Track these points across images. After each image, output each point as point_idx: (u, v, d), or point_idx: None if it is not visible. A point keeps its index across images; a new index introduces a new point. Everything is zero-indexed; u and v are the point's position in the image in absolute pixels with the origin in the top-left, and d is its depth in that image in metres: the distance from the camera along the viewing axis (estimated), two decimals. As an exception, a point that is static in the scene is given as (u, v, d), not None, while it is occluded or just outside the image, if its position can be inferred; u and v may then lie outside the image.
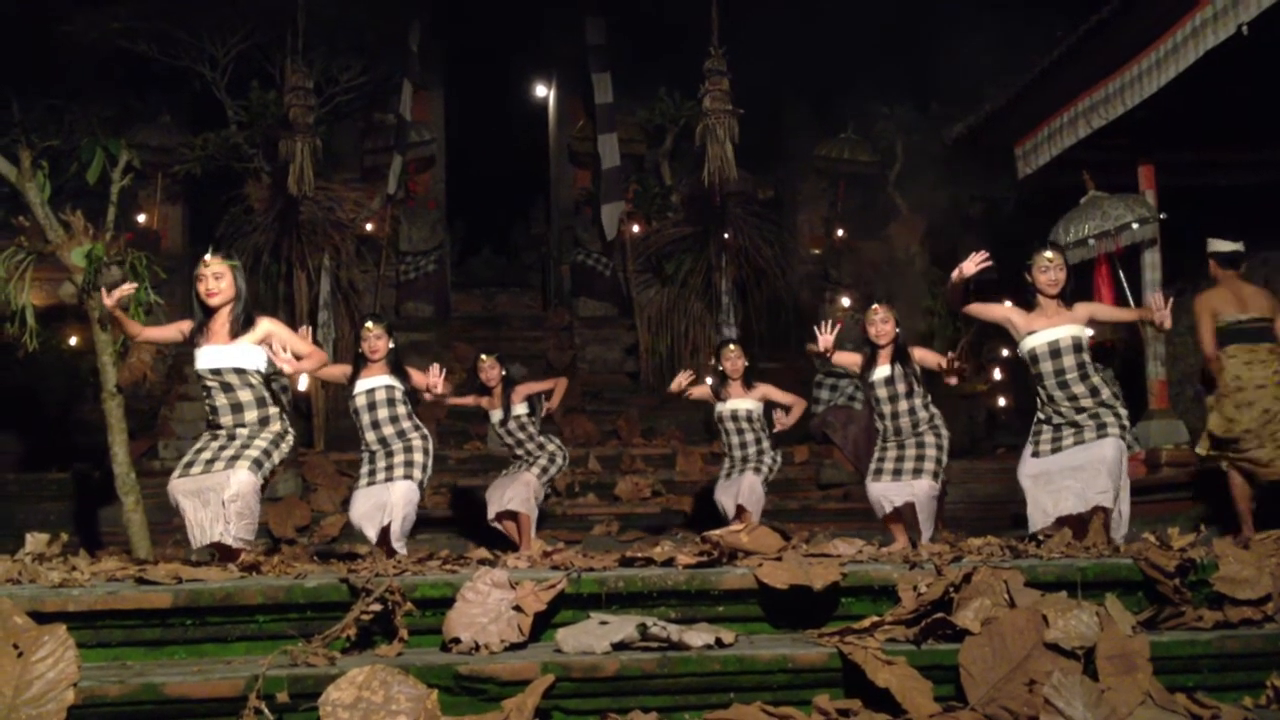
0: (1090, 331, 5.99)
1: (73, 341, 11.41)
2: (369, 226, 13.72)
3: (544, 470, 8.19)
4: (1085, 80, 8.71)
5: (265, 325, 5.48)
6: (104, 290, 5.48)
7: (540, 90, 17.94)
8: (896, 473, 6.78)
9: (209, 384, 5.38)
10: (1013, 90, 9.30)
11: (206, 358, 5.37)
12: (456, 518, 9.75)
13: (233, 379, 5.36)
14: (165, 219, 13.67)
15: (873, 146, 14.56)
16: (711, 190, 12.93)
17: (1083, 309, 5.90)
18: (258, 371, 5.43)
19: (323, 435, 11.72)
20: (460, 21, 14.85)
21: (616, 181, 14.57)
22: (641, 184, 15.02)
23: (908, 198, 14.30)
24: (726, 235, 13.57)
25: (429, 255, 14.67)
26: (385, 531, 6.67)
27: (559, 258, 16.00)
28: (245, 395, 5.38)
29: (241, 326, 5.39)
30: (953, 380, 6.85)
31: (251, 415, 5.39)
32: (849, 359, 7.13)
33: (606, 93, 14.68)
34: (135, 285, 5.83)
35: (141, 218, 13.18)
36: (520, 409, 8.20)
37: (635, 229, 14.64)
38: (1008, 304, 6.27)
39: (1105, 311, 6.54)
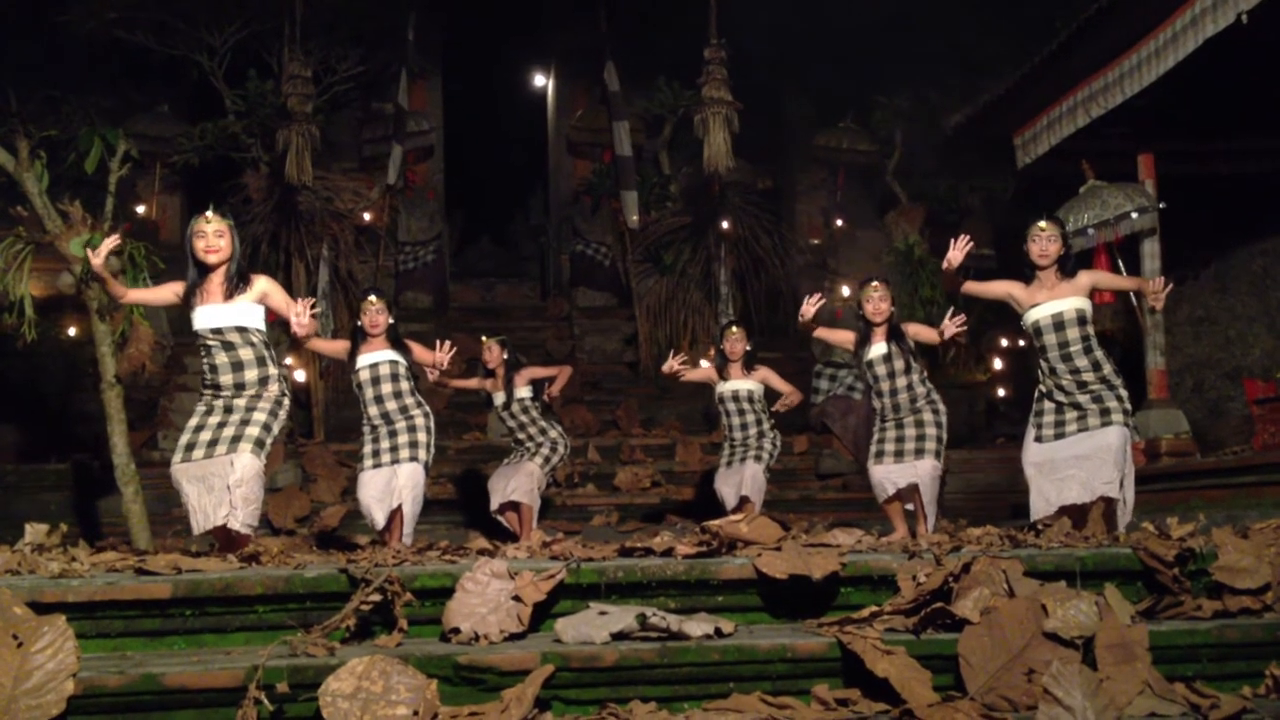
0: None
1: (71, 332, 11.41)
2: (367, 216, 13.70)
3: (546, 460, 8.17)
4: (1084, 69, 8.70)
5: (261, 284, 5.47)
6: (89, 250, 5.44)
7: (539, 80, 17.91)
8: (899, 454, 6.76)
9: (210, 343, 5.37)
10: (1012, 79, 9.28)
11: (207, 317, 5.36)
12: (456, 507, 9.76)
13: (234, 338, 5.36)
14: (163, 209, 13.69)
15: (872, 136, 14.55)
16: (710, 180, 12.92)
17: (1085, 278, 5.92)
18: (259, 330, 5.43)
19: (322, 426, 11.72)
20: (459, 10, 14.82)
21: (629, 170, 14.57)
22: (640, 174, 15.00)
23: (907, 187, 14.29)
24: (725, 225, 13.57)
25: (427, 245, 14.66)
26: (393, 514, 6.68)
27: (558, 248, 16.00)
28: (246, 354, 5.37)
29: (236, 285, 5.39)
30: (950, 336, 6.70)
31: (252, 374, 5.37)
32: (841, 336, 7.12)
33: (614, 81, 14.69)
34: (119, 239, 5.74)
35: (140, 208, 13.19)
36: (524, 392, 8.16)
37: (634, 219, 14.63)
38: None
39: (1106, 279, 6.59)
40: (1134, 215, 8.96)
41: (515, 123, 18.20)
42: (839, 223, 14.73)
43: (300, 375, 11.44)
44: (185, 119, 13.51)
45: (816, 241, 14.74)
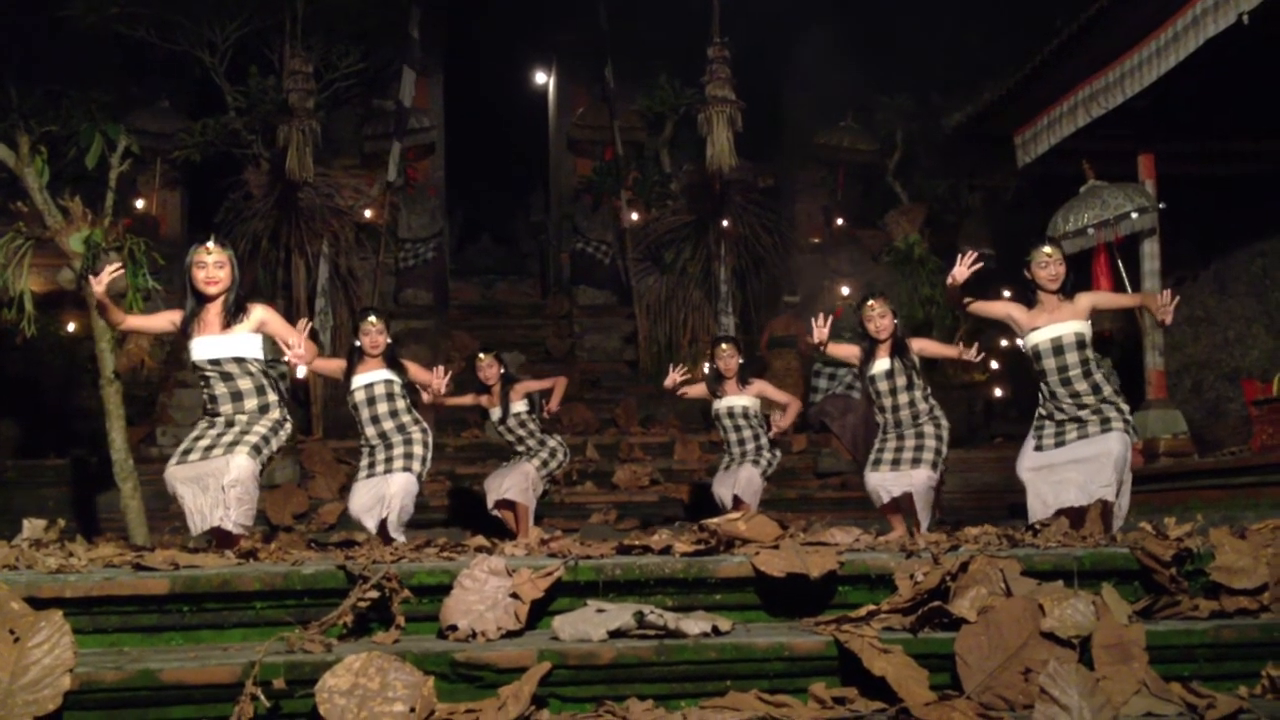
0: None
1: (71, 328, 11.41)
2: (368, 213, 13.70)
3: (544, 464, 8.18)
4: (1085, 69, 8.70)
5: (259, 313, 5.46)
6: (91, 277, 5.44)
7: (540, 77, 17.91)
8: (895, 463, 6.75)
9: (208, 374, 5.37)
10: (1013, 79, 9.28)
11: (204, 348, 5.35)
12: (454, 505, 9.76)
13: (232, 368, 5.35)
14: (164, 205, 13.67)
15: (872, 135, 14.55)
16: (711, 178, 12.92)
17: (1085, 300, 5.87)
18: (257, 360, 5.42)
19: (320, 423, 11.72)
20: (460, 7, 14.81)
21: (623, 168, 14.64)
22: (641, 172, 15.01)
23: (907, 186, 14.30)
24: (726, 224, 13.56)
25: (428, 242, 14.65)
26: (384, 524, 6.67)
27: (558, 245, 16.00)
28: (245, 384, 5.37)
29: (234, 315, 5.38)
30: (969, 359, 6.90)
31: (251, 403, 5.38)
32: (847, 351, 7.09)
33: (611, 79, 14.72)
34: (122, 267, 5.75)
35: (140, 203, 13.18)
36: (519, 406, 8.18)
37: (634, 217, 14.63)
38: (1006, 294, 6.26)
39: (1106, 299, 6.56)
40: (1134, 215, 8.96)
41: (516, 120, 18.19)
42: (839, 221, 14.73)
43: (301, 372, 11.44)
44: (186, 115, 13.49)
45: (817, 240, 14.74)
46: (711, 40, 12.14)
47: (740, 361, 8.01)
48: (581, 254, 15.15)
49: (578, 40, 15.47)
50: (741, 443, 8.00)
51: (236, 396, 5.36)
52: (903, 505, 6.80)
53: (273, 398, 5.45)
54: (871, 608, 3.42)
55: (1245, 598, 3.54)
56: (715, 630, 3.24)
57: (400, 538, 6.55)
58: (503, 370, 8.23)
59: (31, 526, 4.92)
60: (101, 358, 7.58)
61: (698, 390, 8.25)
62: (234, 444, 5.26)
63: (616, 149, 14.79)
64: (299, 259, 12.52)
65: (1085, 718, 2.85)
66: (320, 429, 11.63)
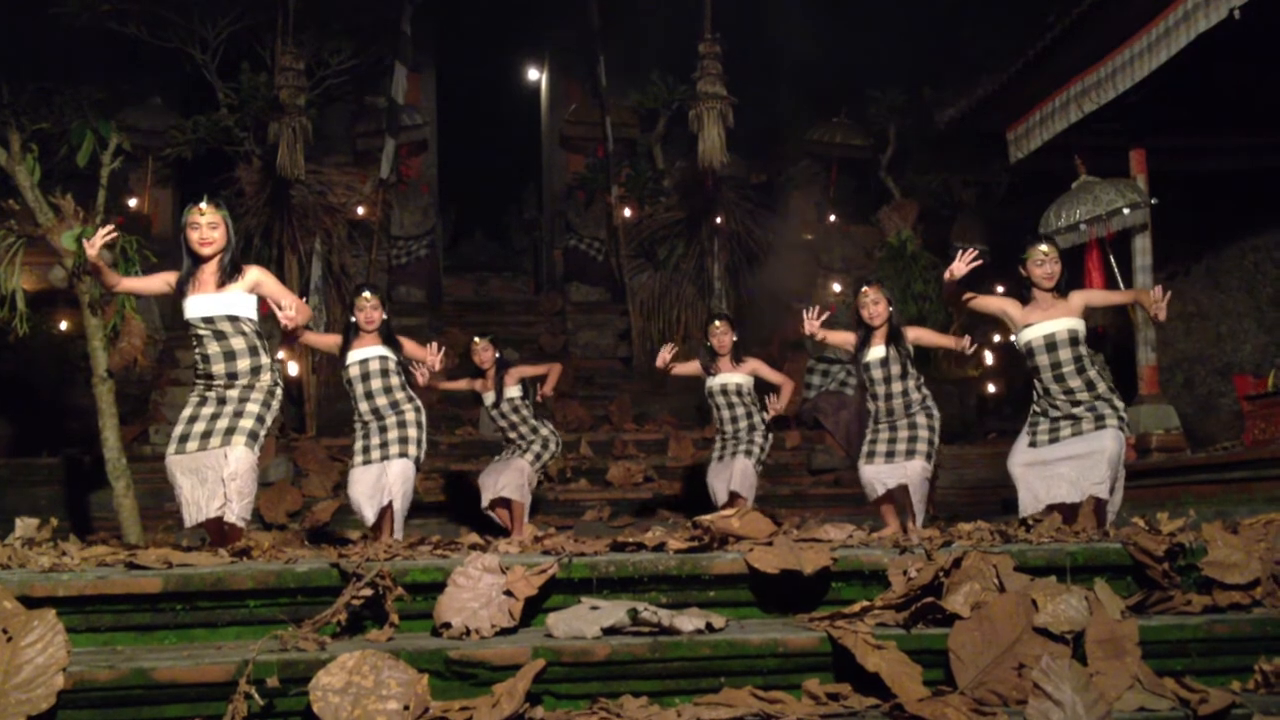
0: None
1: (63, 326, 11.37)
2: (360, 210, 13.66)
3: (537, 456, 8.18)
4: (1077, 65, 8.71)
5: (254, 273, 5.46)
6: (85, 242, 5.41)
7: (533, 74, 17.89)
8: (890, 455, 6.76)
9: (201, 332, 5.36)
10: (1005, 75, 9.29)
11: (198, 306, 5.34)
12: (448, 503, 9.75)
13: (226, 327, 5.34)
14: (156, 202, 13.64)
15: (865, 131, 14.55)
16: (703, 175, 12.92)
17: (1078, 298, 5.88)
18: (250, 320, 5.41)
19: (314, 421, 11.69)
20: (452, 3, 14.79)
21: (615, 164, 14.65)
22: (634, 168, 15.00)
23: (900, 182, 14.31)
24: (719, 220, 13.56)
25: (420, 239, 14.64)
26: (383, 511, 6.68)
27: (551, 242, 15.98)
28: (239, 343, 5.36)
29: (229, 274, 5.37)
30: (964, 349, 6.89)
31: (244, 364, 5.36)
32: (842, 338, 7.09)
33: (603, 75, 14.72)
34: (115, 232, 5.71)
35: (132, 201, 13.14)
36: (513, 391, 8.17)
37: (627, 213, 14.62)
38: (1000, 289, 6.27)
39: (1100, 297, 6.57)
40: (1126, 211, 8.98)
41: (508, 116, 18.17)
42: (832, 217, 14.73)
43: (293, 369, 11.43)
44: (178, 112, 13.47)
45: (809, 236, 14.73)
46: (703, 36, 12.13)
47: (734, 339, 8.00)
48: (574, 250, 15.14)
49: (570, 36, 15.46)
50: (734, 420, 7.98)
51: (229, 356, 5.35)
52: (897, 498, 6.81)
53: (265, 359, 5.44)
54: (865, 604, 3.42)
55: (1238, 592, 3.55)
56: (709, 627, 3.24)
57: (400, 532, 6.57)
58: (498, 355, 8.23)
59: (24, 525, 4.90)
60: (94, 356, 7.56)
61: (690, 368, 8.24)
62: (230, 430, 5.25)
63: (609, 145, 14.77)
64: (291, 256, 12.48)
65: (1078, 713, 2.86)
66: (314, 427, 11.61)
